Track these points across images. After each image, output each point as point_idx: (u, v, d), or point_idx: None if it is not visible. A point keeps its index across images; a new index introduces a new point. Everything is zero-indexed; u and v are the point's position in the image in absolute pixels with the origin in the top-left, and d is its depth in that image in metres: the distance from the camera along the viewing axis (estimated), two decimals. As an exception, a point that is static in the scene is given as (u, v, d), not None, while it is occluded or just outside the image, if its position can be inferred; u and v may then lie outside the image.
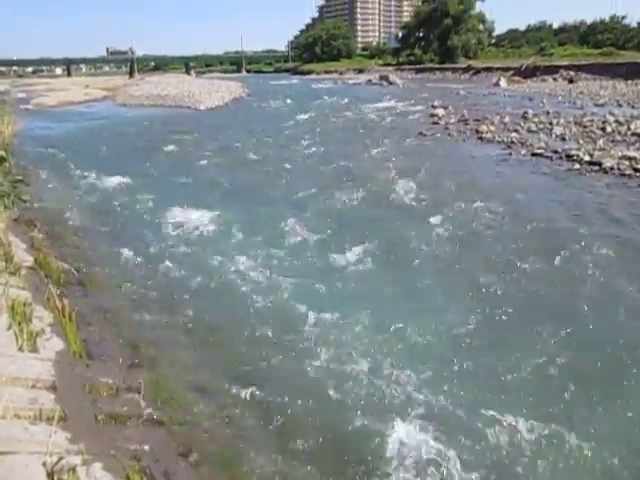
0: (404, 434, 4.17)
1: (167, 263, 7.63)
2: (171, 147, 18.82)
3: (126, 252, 7.98)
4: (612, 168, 13.20)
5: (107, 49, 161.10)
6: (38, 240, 7.06)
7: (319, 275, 7.28)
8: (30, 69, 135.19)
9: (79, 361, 4.18)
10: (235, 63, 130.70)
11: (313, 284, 6.95)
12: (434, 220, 9.54)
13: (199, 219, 9.82)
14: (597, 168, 13.44)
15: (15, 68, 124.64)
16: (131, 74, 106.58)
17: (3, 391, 3.22)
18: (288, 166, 14.94)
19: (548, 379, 4.97)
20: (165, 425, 3.72)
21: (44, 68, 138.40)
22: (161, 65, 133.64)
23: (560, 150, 15.53)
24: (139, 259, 7.77)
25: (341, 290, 6.86)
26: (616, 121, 20.01)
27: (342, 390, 4.76)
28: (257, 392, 4.67)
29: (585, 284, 6.92)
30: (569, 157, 14.72)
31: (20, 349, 3.92)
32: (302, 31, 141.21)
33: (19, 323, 4.21)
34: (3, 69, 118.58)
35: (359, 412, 4.47)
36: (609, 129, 18.50)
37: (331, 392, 4.73)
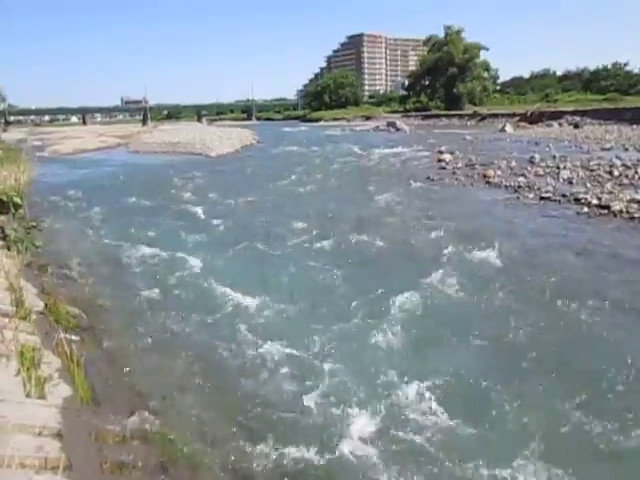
0: None
1: (173, 308, 7.63)
2: (180, 192, 19.13)
3: (134, 298, 8.00)
4: (621, 211, 13.20)
5: (122, 98, 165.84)
6: (49, 285, 7.11)
7: (319, 310, 7.24)
8: (47, 118, 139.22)
9: (86, 408, 4.13)
10: (246, 111, 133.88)
11: (319, 323, 6.90)
12: (443, 266, 9.51)
13: (201, 264, 9.86)
14: (606, 211, 13.44)
15: (32, 117, 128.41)
16: (144, 122, 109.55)
17: (9, 439, 3.18)
18: (299, 210, 15.06)
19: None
20: (171, 474, 3.64)
21: (60, 117, 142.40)
22: (174, 113, 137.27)
23: (568, 194, 15.58)
24: (147, 305, 7.78)
25: (349, 334, 6.80)
26: (623, 165, 20.13)
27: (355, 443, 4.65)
28: (266, 441, 4.57)
29: (598, 335, 6.80)
30: (577, 200, 14.75)
31: (28, 395, 3.89)
32: (311, 80, 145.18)
33: (27, 369, 4.19)
34: (21, 118, 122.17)
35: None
36: (616, 173, 18.58)
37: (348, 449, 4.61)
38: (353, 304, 7.82)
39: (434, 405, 5.14)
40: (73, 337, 5.39)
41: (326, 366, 5.91)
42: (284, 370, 5.86)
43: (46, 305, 6.12)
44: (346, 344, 6.47)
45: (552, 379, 5.67)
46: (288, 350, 6.31)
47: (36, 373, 4.18)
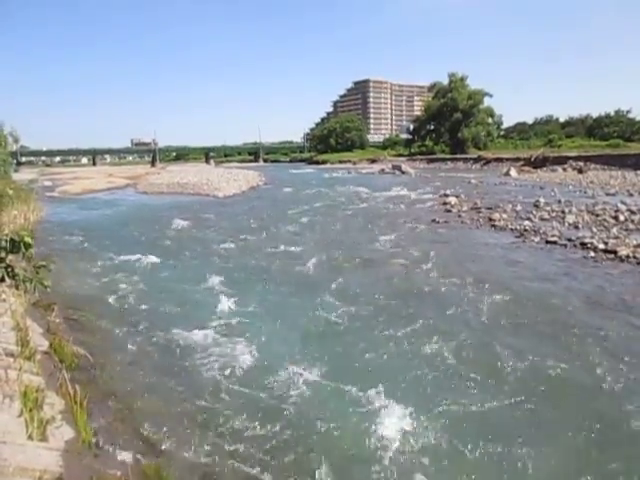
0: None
1: (179, 349, 7.58)
2: (187, 233, 19.29)
3: (141, 340, 7.96)
4: (628, 256, 13.15)
5: (131, 140, 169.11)
6: (54, 324, 7.10)
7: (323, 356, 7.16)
8: (58, 159, 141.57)
9: (88, 451, 4.07)
10: (253, 153, 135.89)
11: (326, 373, 6.82)
12: (450, 311, 9.43)
13: (206, 303, 9.85)
14: (612, 256, 13.39)
15: (43, 158, 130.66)
16: (153, 163, 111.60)
17: (10, 483, 3.13)
18: (304, 252, 15.09)
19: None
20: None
21: (71, 158, 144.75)
22: (182, 155, 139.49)
23: (574, 238, 15.58)
24: (153, 346, 7.73)
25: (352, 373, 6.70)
26: (628, 210, 20.20)
27: None
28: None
29: (606, 381, 6.69)
30: (583, 245, 14.73)
31: (30, 437, 3.84)
32: (318, 124, 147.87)
33: (30, 410, 4.15)
34: (32, 159, 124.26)
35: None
36: (622, 218, 18.64)
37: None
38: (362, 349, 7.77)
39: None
40: (77, 378, 5.35)
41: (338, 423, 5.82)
42: (293, 421, 5.75)
43: (51, 345, 6.09)
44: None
45: (558, 424, 5.56)
46: (299, 396, 6.22)
47: (39, 414, 4.13)
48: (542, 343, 7.94)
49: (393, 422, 5.53)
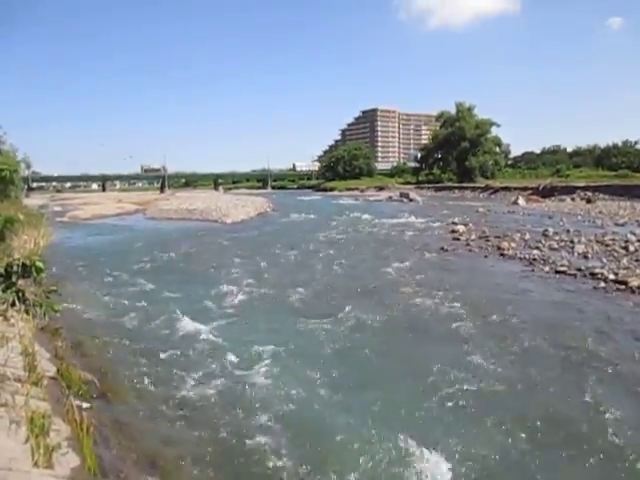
0: None
1: (187, 376, 7.53)
2: (197, 258, 19.33)
3: (149, 364, 7.91)
4: (639, 287, 13.01)
5: (141, 166, 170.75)
6: (62, 350, 7.08)
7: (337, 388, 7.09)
8: (68, 184, 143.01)
9: (93, 479, 4.01)
10: (261, 180, 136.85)
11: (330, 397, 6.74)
12: (458, 342, 9.35)
13: (213, 332, 9.81)
14: (623, 287, 13.24)
15: (54, 183, 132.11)
16: (162, 189, 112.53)
17: (14, 511, 3.08)
18: (313, 282, 15.06)
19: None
20: None
21: (81, 184, 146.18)
22: (191, 181, 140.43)
23: (584, 268, 15.46)
24: (162, 372, 7.68)
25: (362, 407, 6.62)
26: (638, 240, 20.05)
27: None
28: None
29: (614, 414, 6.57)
30: (593, 275, 14.60)
31: (35, 464, 3.80)
32: (326, 151, 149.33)
33: (37, 436, 4.11)
34: (43, 184, 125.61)
35: None
36: (632, 248, 18.48)
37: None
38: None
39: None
40: (84, 404, 5.31)
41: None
42: (306, 448, 5.67)
43: (58, 370, 6.07)
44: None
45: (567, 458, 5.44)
46: (312, 425, 6.14)
47: (45, 441, 4.09)
48: (552, 375, 7.84)
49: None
